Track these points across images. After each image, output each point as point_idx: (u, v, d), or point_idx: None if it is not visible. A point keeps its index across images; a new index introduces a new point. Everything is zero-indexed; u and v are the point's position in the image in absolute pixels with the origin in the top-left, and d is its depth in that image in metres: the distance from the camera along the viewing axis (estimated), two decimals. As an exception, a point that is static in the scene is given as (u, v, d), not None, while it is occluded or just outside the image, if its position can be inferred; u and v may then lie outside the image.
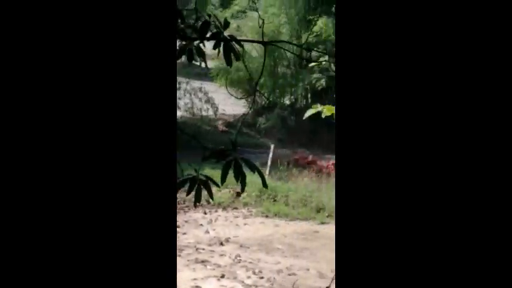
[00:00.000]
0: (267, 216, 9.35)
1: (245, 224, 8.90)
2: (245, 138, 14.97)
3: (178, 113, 13.62)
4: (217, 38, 1.93)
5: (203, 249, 7.53)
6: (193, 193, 2.11)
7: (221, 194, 9.77)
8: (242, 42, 2.11)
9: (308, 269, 6.92)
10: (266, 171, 11.31)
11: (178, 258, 6.23)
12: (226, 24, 1.95)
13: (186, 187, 2.06)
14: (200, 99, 16.87)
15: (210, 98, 16.86)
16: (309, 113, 3.39)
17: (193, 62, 2.33)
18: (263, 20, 2.21)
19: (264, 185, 2.13)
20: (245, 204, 9.87)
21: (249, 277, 6.62)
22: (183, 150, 2.49)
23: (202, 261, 7.03)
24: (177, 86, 12.94)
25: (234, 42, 1.97)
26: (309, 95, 17.30)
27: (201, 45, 2.02)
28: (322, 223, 9.01)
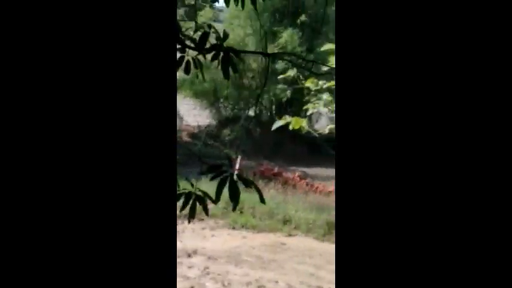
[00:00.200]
0: (234, 228, 9.31)
1: (212, 236, 8.84)
2: (209, 150, 14.89)
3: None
4: (217, 49, 1.91)
5: (171, 261, 7.43)
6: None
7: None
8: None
9: (277, 281, 6.91)
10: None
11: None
12: (226, 36, 1.93)
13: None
14: (165, 110, 16.76)
15: (174, 109, 16.77)
16: (277, 124, 3.37)
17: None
18: (265, 32, 2.21)
19: (262, 200, 2.10)
20: (212, 216, 9.80)
21: (218, 289, 6.58)
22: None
23: (171, 274, 6.94)
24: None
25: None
26: (273, 107, 17.35)
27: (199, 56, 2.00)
28: (290, 235, 9.03)
